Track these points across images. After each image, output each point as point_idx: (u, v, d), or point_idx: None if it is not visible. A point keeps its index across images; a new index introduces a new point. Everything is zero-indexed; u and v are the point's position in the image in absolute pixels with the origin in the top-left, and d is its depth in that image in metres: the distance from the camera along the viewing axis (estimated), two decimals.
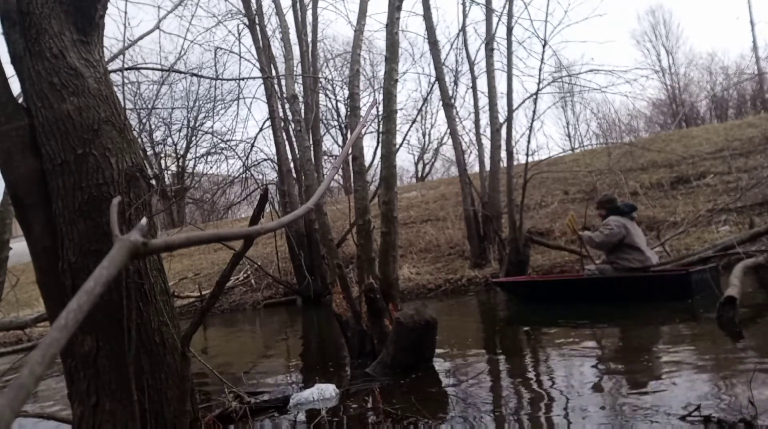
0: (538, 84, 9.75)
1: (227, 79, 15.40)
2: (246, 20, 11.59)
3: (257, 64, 11.66)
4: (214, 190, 19.01)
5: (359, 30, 5.72)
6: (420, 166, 29.62)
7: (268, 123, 12.19)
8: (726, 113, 26.08)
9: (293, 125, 9.44)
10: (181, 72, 10.04)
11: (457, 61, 12.27)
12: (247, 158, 12.98)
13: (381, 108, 5.53)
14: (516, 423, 3.15)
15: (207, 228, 14.64)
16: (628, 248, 6.28)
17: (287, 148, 11.72)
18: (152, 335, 2.82)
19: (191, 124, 23.91)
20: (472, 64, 11.03)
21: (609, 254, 6.45)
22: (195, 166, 25.16)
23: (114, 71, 4.05)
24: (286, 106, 10.29)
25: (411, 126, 23.20)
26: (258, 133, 15.09)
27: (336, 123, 26.04)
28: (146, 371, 2.76)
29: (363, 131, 11.13)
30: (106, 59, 3.18)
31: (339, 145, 25.16)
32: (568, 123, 30.36)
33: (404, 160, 30.68)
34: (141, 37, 5.42)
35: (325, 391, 4.00)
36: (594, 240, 6.52)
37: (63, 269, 2.72)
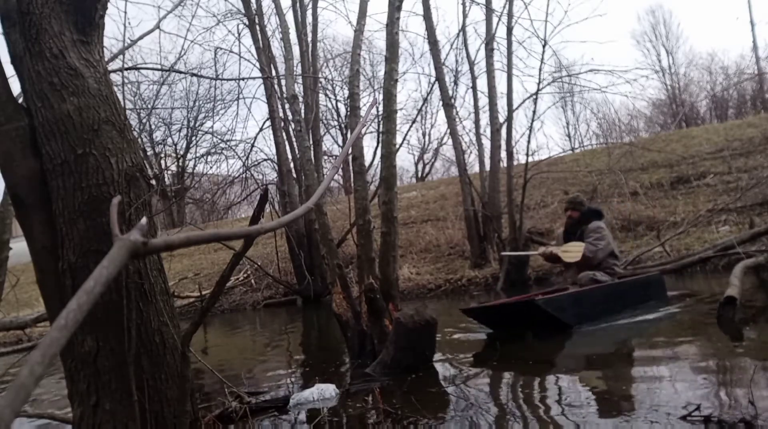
0: (538, 84, 9.77)
1: (227, 79, 15.43)
2: (246, 20, 11.60)
3: (257, 64, 11.67)
4: (214, 190, 19.03)
5: (359, 30, 5.71)
6: (420, 166, 29.64)
7: (268, 123, 12.20)
8: (726, 113, 26.08)
9: (293, 125, 9.44)
10: (181, 72, 10.06)
11: (457, 61, 12.29)
12: (247, 158, 13.01)
13: (381, 108, 5.53)
14: (516, 423, 3.15)
15: (207, 228, 14.63)
16: (613, 255, 5.95)
17: (287, 148, 11.73)
18: (152, 335, 2.82)
19: (191, 124, 23.94)
20: (472, 64, 11.04)
21: (596, 264, 5.82)
22: (195, 166, 25.19)
23: (114, 71, 4.05)
24: (286, 106, 10.29)
25: (411, 126, 23.23)
26: (258, 133, 15.09)
27: (336, 123, 26.07)
28: (146, 371, 2.76)
29: (363, 131, 11.13)
30: (106, 59, 3.18)
31: (339, 145, 25.16)
32: (568, 123, 30.39)
33: (404, 160, 30.73)
34: (141, 37, 5.42)
35: (325, 391, 4.00)
36: (596, 255, 5.73)
37: (63, 269, 2.72)
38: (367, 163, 12.24)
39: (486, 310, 5.73)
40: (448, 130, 11.07)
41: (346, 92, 13.35)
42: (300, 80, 10.71)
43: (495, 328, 5.60)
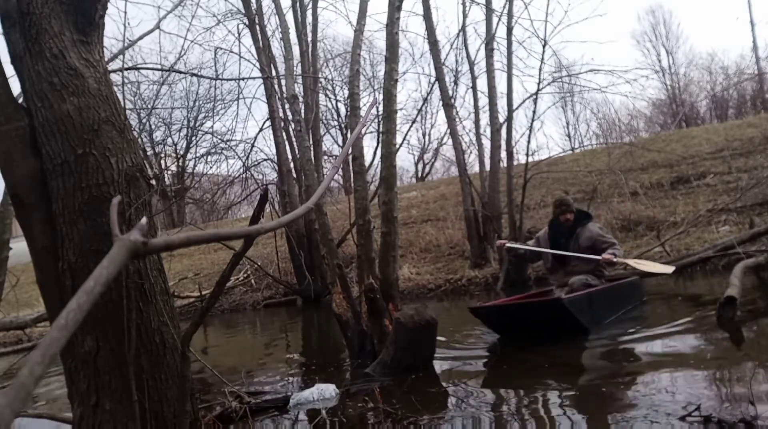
0: (538, 84, 9.78)
1: (227, 79, 15.41)
2: (246, 20, 11.59)
3: (257, 64, 11.66)
4: (214, 190, 19.02)
5: (359, 30, 5.71)
6: (420, 166, 29.64)
7: (268, 123, 12.20)
8: (726, 113, 26.07)
9: (293, 125, 9.43)
10: (181, 72, 10.05)
11: (457, 61, 12.27)
12: (247, 158, 13.00)
13: (381, 108, 5.53)
14: (516, 423, 3.15)
15: (207, 228, 14.64)
16: None
17: (287, 148, 11.72)
18: (152, 335, 2.82)
19: (191, 124, 23.94)
20: (472, 64, 11.04)
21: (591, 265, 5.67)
22: (195, 166, 25.19)
23: (114, 71, 4.05)
24: (286, 106, 10.29)
25: (411, 126, 23.20)
26: (258, 133, 15.07)
27: (336, 123, 26.06)
28: (146, 371, 2.76)
29: (363, 131, 11.13)
30: (106, 59, 3.18)
31: (339, 145, 25.16)
32: (568, 123, 30.37)
33: (404, 160, 30.68)
34: (141, 37, 5.43)
35: (325, 391, 4.00)
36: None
37: (63, 269, 2.72)
38: (367, 163, 12.23)
39: (497, 310, 5.26)
40: (448, 130, 11.07)
41: (346, 92, 13.35)
42: (300, 80, 10.70)
43: (503, 330, 5.21)
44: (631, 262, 5.60)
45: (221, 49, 12.05)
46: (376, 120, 11.73)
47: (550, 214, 11.30)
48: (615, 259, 5.45)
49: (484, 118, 10.90)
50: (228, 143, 15.50)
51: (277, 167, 12.31)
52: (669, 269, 5.70)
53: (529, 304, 5.27)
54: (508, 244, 6.09)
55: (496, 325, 5.29)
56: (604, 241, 5.61)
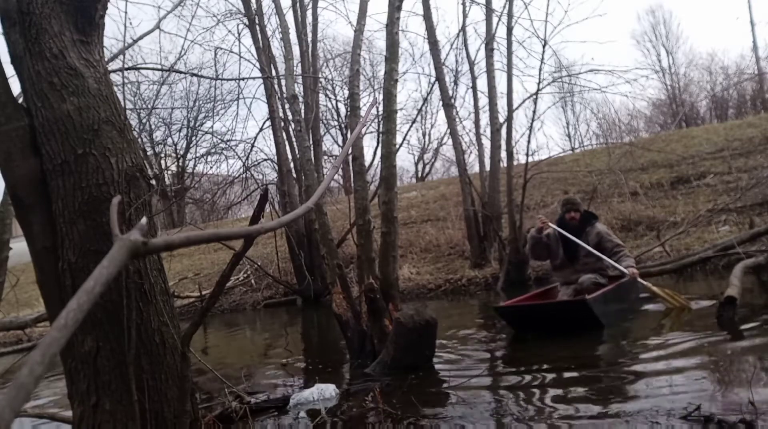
0: (538, 84, 9.77)
1: (227, 79, 15.40)
2: (246, 20, 11.58)
3: (257, 64, 11.65)
4: (214, 190, 19.02)
5: (359, 30, 5.72)
6: (420, 166, 29.62)
7: (268, 123, 12.19)
8: (726, 113, 26.06)
9: (293, 125, 9.44)
10: (181, 72, 10.04)
11: (457, 61, 12.26)
12: (247, 158, 13.00)
13: (381, 108, 5.53)
14: (516, 423, 3.15)
15: (207, 228, 14.63)
16: None
17: (287, 148, 11.72)
18: (152, 335, 2.82)
19: (191, 124, 23.92)
20: (472, 64, 11.03)
21: (598, 264, 5.80)
22: (195, 166, 25.18)
23: (114, 71, 4.04)
24: (286, 106, 10.29)
25: (411, 126, 23.16)
26: (258, 133, 15.06)
27: (336, 123, 26.04)
28: (146, 371, 2.76)
29: (363, 131, 11.13)
30: (106, 59, 3.18)
31: (339, 145, 25.14)
32: (568, 123, 30.33)
33: (404, 160, 30.64)
34: (141, 37, 5.42)
35: (325, 391, 4.00)
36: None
37: (63, 269, 2.72)
38: (367, 163, 12.24)
39: (522, 310, 5.42)
40: (448, 130, 11.06)
41: (346, 92, 13.35)
42: (300, 80, 10.70)
43: (525, 329, 5.29)
44: (655, 288, 5.63)
45: (221, 49, 12.05)
46: (376, 120, 11.73)
47: (550, 214, 11.32)
48: (642, 282, 5.65)
49: (484, 118, 10.90)
50: (228, 143, 15.50)
51: (277, 167, 12.30)
52: (691, 305, 5.53)
53: (554, 304, 5.44)
54: (552, 225, 6.01)
55: (519, 323, 5.40)
56: (609, 240, 5.80)
